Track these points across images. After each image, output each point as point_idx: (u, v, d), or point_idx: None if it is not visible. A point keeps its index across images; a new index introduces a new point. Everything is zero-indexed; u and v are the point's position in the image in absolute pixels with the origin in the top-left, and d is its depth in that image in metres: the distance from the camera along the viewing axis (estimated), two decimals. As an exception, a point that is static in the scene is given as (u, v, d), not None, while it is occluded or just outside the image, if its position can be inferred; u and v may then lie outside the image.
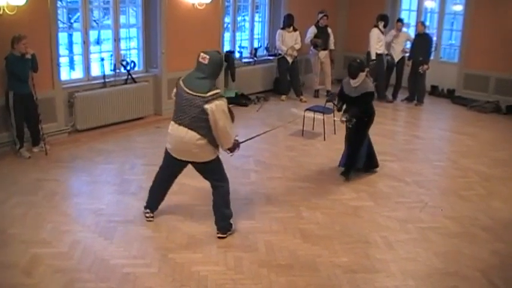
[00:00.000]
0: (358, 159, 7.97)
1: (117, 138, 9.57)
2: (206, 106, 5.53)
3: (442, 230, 6.47)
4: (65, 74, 10.14)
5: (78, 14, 10.59)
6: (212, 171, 6.01)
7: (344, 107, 8.01)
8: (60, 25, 10.66)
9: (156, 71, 10.86)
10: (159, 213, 6.54)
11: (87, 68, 10.02)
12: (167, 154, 6.07)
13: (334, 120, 9.98)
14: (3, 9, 8.10)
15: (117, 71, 10.32)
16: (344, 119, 7.76)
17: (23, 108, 8.30)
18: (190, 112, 5.64)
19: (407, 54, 12.74)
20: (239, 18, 13.65)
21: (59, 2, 9.85)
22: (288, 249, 5.82)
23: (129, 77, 10.39)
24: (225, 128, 5.65)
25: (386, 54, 12.78)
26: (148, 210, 6.43)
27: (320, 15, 12.67)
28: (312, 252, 5.78)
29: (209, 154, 5.84)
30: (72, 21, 14.37)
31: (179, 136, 5.76)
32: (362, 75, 7.62)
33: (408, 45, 12.80)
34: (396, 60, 12.83)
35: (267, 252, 5.76)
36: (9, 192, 7.11)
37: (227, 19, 12.66)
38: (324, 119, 9.79)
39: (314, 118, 10.13)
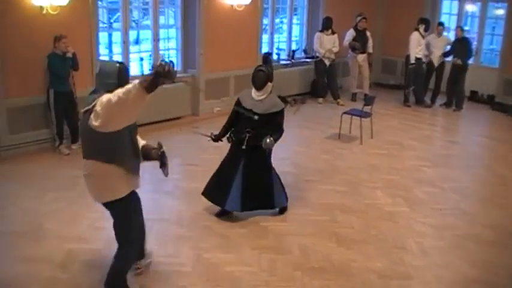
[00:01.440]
0: (275, 196, 6.59)
1: (153, 138, 9.53)
2: (90, 117, 4.24)
3: (478, 237, 6.36)
4: (104, 73, 10.26)
5: (118, 14, 10.73)
6: (116, 217, 4.85)
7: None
8: (101, 25, 10.80)
9: (194, 72, 10.91)
10: (193, 213, 6.58)
11: (126, 68, 10.12)
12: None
13: (371, 124, 9.90)
14: (47, 9, 8.27)
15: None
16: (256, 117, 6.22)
17: (63, 105, 8.46)
18: (87, 137, 4.55)
19: (447, 59, 12.56)
20: (277, 20, 13.64)
21: (100, 2, 9.99)
22: (322, 253, 5.79)
23: (167, 77, 10.45)
24: (110, 98, 4.05)
25: (426, 56, 12.61)
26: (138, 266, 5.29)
27: (359, 18, 12.59)
28: (347, 257, 5.74)
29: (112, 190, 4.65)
30: (112, 21, 14.55)
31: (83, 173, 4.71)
32: (269, 86, 6.33)
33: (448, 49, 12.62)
34: (436, 64, 12.65)
35: (301, 255, 5.74)
36: (47, 188, 7.24)
37: (265, 21, 12.66)
38: (361, 123, 9.71)
39: (351, 122, 10.06)
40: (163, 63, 3.99)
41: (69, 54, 8.30)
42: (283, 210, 6.75)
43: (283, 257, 5.67)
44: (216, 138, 6.56)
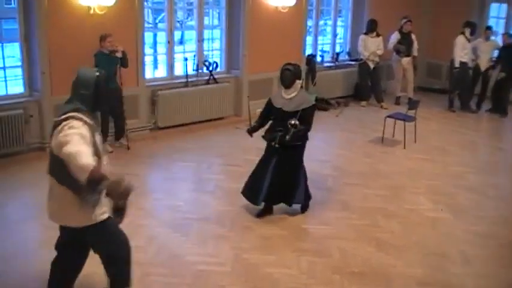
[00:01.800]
0: (297, 194, 6.58)
1: (196, 137, 9.75)
2: (54, 133, 4.02)
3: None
4: (148, 73, 10.45)
5: (163, 14, 10.86)
6: (99, 240, 4.37)
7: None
8: (146, 25, 10.95)
9: (237, 73, 10.97)
10: (234, 213, 6.61)
11: (170, 67, 10.26)
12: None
13: (415, 128, 9.79)
14: (94, 9, 8.44)
15: (200, 71, 10.50)
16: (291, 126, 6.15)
17: (109, 103, 8.57)
18: (52, 157, 4.10)
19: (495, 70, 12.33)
20: (321, 22, 13.60)
21: (145, 3, 10.13)
22: (361, 257, 5.75)
23: (211, 77, 10.55)
24: (70, 154, 3.76)
25: (473, 60, 12.40)
26: None
27: (404, 21, 12.44)
28: (386, 262, 5.69)
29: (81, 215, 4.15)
30: (157, 21, 14.76)
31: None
32: (298, 83, 6.37)
33: (496, 54, 12.39)
34: (482, 69, 12.42)
35: (341, 258, 5.71)
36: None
37: (309, 23, 12.63)
38: (404, 127, 9.61)
39: (394, 126, 9.96)
40: (121, 185, 3.84)
41: (119, 54, 8.44)
42: (304, 208, 6.78)
43: (323, 260, 5.65)
44: (250, 131, 6.65)
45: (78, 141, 3.83)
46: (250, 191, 6.54)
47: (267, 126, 6.64)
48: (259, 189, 6.41)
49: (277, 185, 6.38)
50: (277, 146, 6.26)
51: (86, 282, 4.88)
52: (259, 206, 6.55)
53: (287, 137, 6.13)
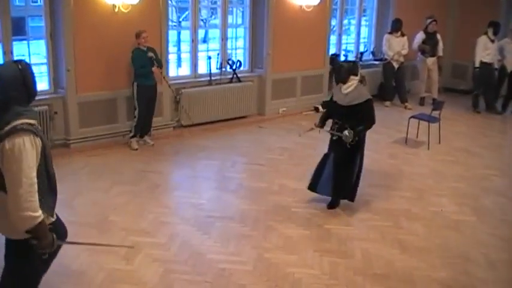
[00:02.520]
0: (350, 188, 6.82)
1: (219, 136, 9.76)
2: None
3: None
4: (172, 71, 10.47)
5: (187, 12, 10.88)
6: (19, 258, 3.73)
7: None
8: (170, 23, 10.98)
9: (261, 71, 10.97)
10: (257, 212, 6.61)
11: (194, 66, 10.29)
12: None
13: (439, 129, 9.70)
14: (119, 8, 8.49)
15: (223, 69, 10.52)
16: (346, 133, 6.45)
17: (146, 99, 8.68)
18: None
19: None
20: (345, 21, 13.54)
21: (169, 1, 10.15)
22: (384, 259, 5.70)
23: (235, 76, 10.56)
24: (11, 183, 3.36)
25: (499, 61, 12.25)
26: None
27: (429, 21, 12.35)
28: (409, 264, 5.63)
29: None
30: (181, 19, 14.78)
31: None
32: (354, 79, 6.55)
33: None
34: (509, 69, 12.24)
35: (363, 260, 5.67)
36: (114, 181, 7.44)
37: (333, 22, 12.59)
38: (429, 128, 9.52)
39: (418, 126, 9.88)
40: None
41: (151, 54, 8.48)
42: (332, 205, 6.87)
43: (345, 261, 5.62)
44: (317, 126, 6.85)
45: (26, 175, 3.35)
46: (312, 180, 6.85)
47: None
48: (318, 177, 6.76)
49: (333, 177, 6.66)
50: (334, 138, 6.64)
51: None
52: (318, 192, 6.85)
53: (350, 140, 6.42)
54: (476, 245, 6.16)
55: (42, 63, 8.74)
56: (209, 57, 10.36)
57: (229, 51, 10.83)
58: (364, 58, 13.17)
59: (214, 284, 5.10)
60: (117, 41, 8.56)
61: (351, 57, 13.08)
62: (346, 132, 6.39)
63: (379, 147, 9.43)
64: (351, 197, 6.85)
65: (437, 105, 10.03)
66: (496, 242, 6.26)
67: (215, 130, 10.05)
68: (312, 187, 6.86)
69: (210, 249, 5.71)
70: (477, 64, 12.07)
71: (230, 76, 10.57)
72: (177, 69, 11.49)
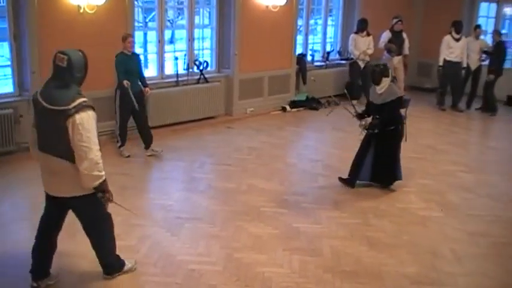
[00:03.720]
0: (395, 173, 7.60)
1: (187, 136, 9.72)
2: (68, 121, 4.29)
3: (515, 245, 6.23)
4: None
5: (154, 13, 10.82)
6: (92, 207, 4.77)
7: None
8: (136, 24, 10.90)
9: (228, 72, 10.96)
10: (226, 212, 6.60)
11: (161, 67, 10.23)
12: (45, 196, 4.86)
13: (406, 127, 9.79)
14: (84, 8, 8.40)
15: (190, 70, 10.48)
16: (363, 122, 7.51)
17: (130, 106, 8.24)
18: (56, 135, 4.40)
19: (484, 63, 12.38)
20: (312, 21, 13.61)
21: (135, 2, 10.07)
22: (353, 256, 5.74)
23: (202, 76, 10.53)
24: (84, 150, 4.33)
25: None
26: (35, 284, 4.87)
27: (395, 21, 12.48)
28: (378, 261, 5.68)
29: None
30: (147, 20, 14.69)
31: (49, 168, 4.60)
32: (386, 80, 7.25)
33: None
34: (473, 68, 12.46)
35: (332, 257, 5.70)
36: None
37: (300, 22, 12.64)
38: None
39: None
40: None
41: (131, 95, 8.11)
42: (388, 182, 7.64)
43: (315, 259, 5.63)
44: (358, 116, 7.65)
45: (95, 143, 4.36)
46: (355, 179, 7.59)
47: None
48: (359, 166, 7.54)
49: (375, 165, 7.51)
50: (370, 132, 7.40)
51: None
52: (360, 179, 7.59)
53: (368, 128, 7.39)
54: (443, 240, 6.24)
55: (6, 66, 8.58)
56: (176, 58, 10.31)
57: (196, 52, 10.79)
58: (330, 58, 13.24)
59: (184, 285, 5.07)
60: (83, 42, 8.41)
61: (318, 57, 13.17)
62: (363, 121, 7.46)
63: (346, 146, 9.42)
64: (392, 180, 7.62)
65: (403, 103, 10.10)
66: (462, 236, 6.35)
67: (183, 131, 10.01)
68: (352, 183, 7.59)
69: (179, 251, 5.68)
70: (441, 62, 12.27)
71: (197, 77, 10.53)
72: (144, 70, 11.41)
